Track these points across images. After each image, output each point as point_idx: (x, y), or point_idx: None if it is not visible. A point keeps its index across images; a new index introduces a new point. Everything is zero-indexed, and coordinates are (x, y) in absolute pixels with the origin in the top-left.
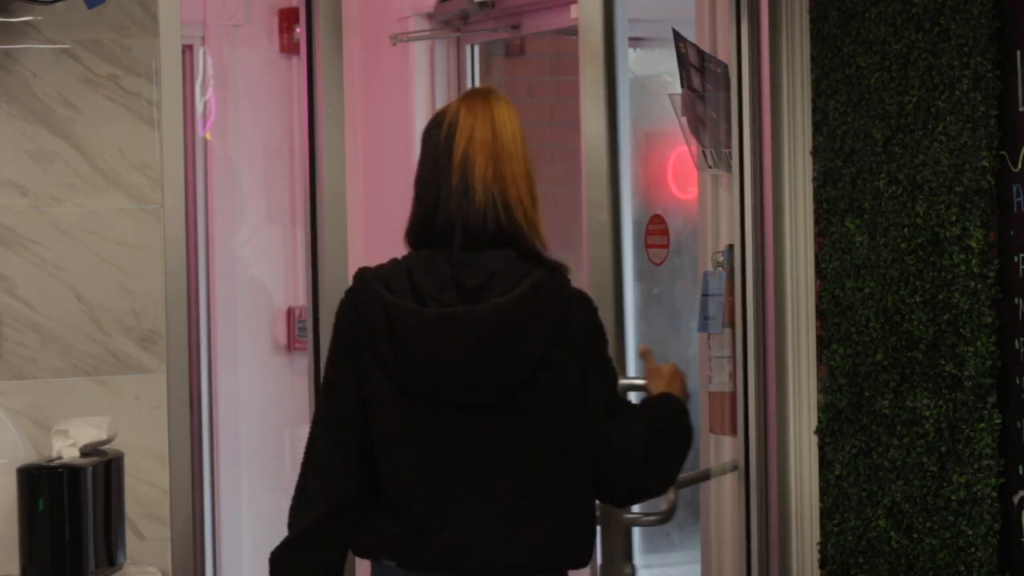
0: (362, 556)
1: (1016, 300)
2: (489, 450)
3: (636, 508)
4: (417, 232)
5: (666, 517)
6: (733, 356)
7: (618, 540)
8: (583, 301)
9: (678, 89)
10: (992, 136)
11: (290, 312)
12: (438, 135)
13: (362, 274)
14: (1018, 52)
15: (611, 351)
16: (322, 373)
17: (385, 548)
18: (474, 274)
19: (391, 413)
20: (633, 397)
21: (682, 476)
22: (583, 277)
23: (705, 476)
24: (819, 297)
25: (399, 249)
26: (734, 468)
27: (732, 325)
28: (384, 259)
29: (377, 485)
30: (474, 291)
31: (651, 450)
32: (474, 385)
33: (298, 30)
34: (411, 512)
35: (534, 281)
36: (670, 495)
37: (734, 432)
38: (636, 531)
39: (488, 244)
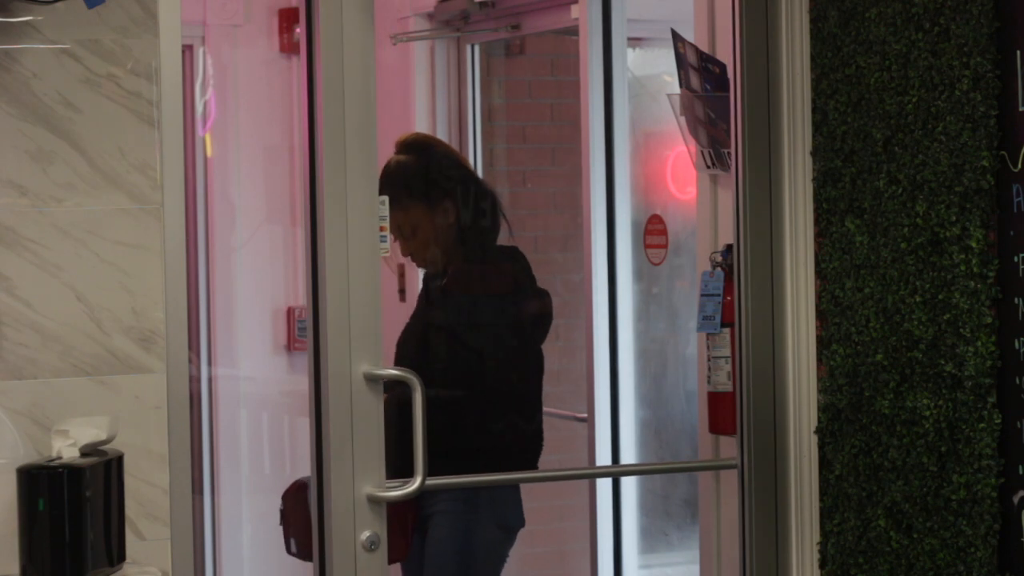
0: None
1: (1016, 300)
2: None
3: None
4: None
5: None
6: (733, 356)
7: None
8: None
9: (677, 89)
10: (992, 136)
11: (290, 312)
12: None
13: None
14: (1018, 52)
15: None
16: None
17: None
18: None
19: None
20: None
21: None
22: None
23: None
24: (819, 297)
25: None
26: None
27: (731, 325)
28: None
29: None
30: None
31: None
32: None
33: (298, 30)
34: None
35: None
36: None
37: (734, 432)
38: (636, 531)
39: None
